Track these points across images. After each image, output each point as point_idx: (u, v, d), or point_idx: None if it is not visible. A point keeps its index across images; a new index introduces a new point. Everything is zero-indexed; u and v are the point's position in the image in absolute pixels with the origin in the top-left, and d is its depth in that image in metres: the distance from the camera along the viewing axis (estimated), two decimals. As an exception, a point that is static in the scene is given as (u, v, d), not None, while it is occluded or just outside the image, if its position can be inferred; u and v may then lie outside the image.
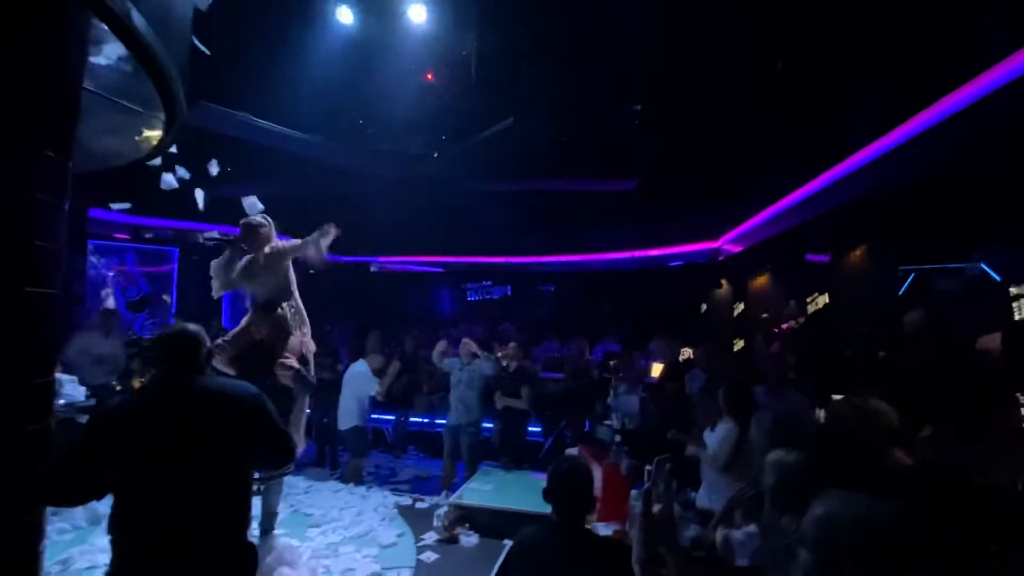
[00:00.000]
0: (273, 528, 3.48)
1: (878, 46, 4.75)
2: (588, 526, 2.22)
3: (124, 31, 1.39)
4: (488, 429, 5.52)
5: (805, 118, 5.79)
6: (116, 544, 1.74)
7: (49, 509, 3.54)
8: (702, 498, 3.03)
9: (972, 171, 4.41)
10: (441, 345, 5.55)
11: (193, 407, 1.82)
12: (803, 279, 7.86)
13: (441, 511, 3.99)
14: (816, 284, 7.52)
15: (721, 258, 10.20)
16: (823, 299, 7.35)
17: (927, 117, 4.15)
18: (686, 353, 7.02)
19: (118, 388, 5.20)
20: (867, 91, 5.03)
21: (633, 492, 2.97)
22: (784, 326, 7.44)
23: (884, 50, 4.68)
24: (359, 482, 5.26)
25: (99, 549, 3.25)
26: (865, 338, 4.97)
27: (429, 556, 3.56)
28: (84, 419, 3.62)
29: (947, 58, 3.91)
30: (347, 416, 5.37)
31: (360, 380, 5.44)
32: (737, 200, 7.85)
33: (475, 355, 5.30)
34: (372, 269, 12.26)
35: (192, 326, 2.00)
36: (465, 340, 5.41)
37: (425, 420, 7.09)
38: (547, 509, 1.98)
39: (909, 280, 6.20)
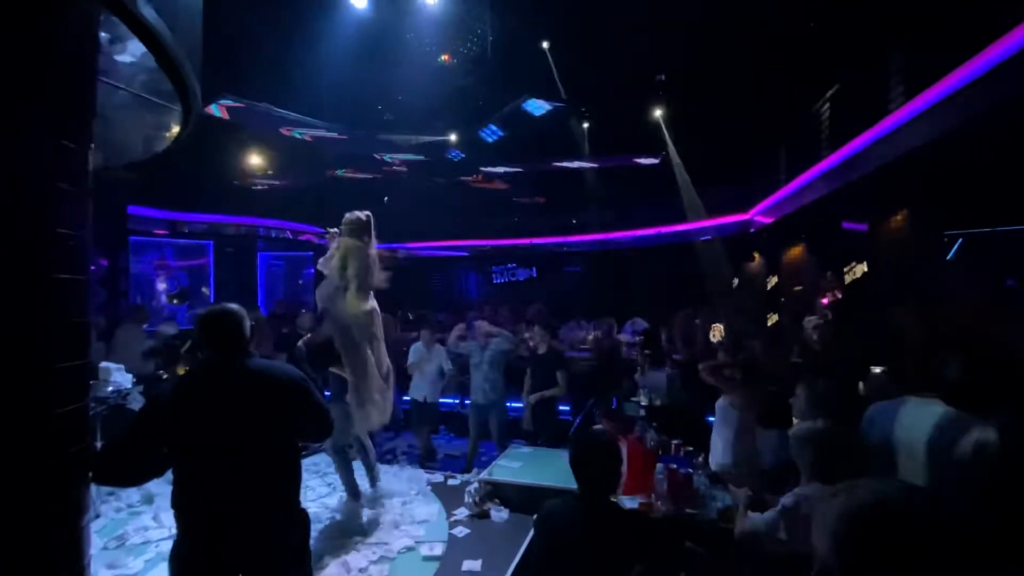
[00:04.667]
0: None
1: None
2: (613, 499, 2.20)
3: (133, 22, 1.42)
4: (516, 408, 5.57)
5: (836, 77, 5.48)
6: (180, 515, 1.88)
7: (104, 490, 3.83)
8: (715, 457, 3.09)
9: (1020, 124, 4.10)
10: (458, 329, 5.65)
11: (239, 388, 1.90)
12: (840, 249, 7.53)
13: (472, 487, 4.05)
14: (853, 253, 7.19)
15: (753, 230, 9.89)
16: (861, 268, 7.03)
17: (969, 70, 3.87)
18: (718, 329, 6.88)
19: (164, 376, 5.46)
20: (902, 44, 4.72)
21: (659, 466, 2.95)
22: (825, 301, 7.15)
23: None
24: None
25: (152, 526, 3.46)
26: (910, 308, 4.74)
27: (461, 531, 3.63)
28: (133, 404, 3.83)
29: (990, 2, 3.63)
30: (431, 392, 5.95)
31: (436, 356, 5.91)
32: (767, 168, 7.56)
33: (490, 335, 5.41)
34: (399, 256, 12.42)
35: (232, 305, 2.03)
36: (478, 323, 5.54)
37: (455, 400, 7.21)
38: (575, 484, 1.98)
39: (957, 245, 5.85)
